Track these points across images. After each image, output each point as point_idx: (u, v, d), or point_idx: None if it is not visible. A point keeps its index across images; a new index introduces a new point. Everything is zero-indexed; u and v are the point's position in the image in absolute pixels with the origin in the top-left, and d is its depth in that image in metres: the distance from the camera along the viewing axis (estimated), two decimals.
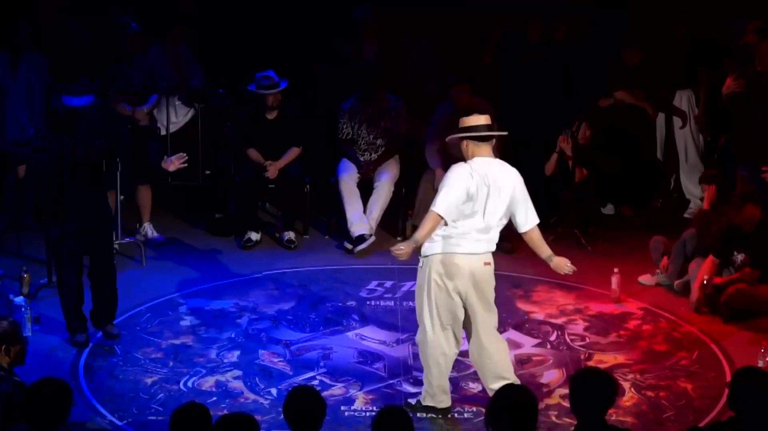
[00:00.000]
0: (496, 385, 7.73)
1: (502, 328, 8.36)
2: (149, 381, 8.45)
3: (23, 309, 9.09)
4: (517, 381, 7.79)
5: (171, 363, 8.72)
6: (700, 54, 11.51)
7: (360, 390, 8.37)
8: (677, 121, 11.79)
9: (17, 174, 10.68)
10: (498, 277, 7.93)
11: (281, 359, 8.82)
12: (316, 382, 8.43)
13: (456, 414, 8.03)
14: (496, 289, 7.95)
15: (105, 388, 8.35)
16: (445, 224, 7.69)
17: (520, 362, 8.76)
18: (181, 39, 11.63)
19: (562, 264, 7.92)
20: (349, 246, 10.85)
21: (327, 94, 11.71)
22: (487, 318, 7.85)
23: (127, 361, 8.75)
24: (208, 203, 11.56)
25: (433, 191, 8.44)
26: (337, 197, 11.10)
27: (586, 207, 11.17)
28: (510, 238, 8.73)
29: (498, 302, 7.97)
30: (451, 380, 8.16)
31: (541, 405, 7.93)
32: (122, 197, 10.87)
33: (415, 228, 10.80)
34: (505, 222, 7.85)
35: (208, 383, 8.44)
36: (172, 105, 11.62)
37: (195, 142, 11.76)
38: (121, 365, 8.69)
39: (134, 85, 11.02)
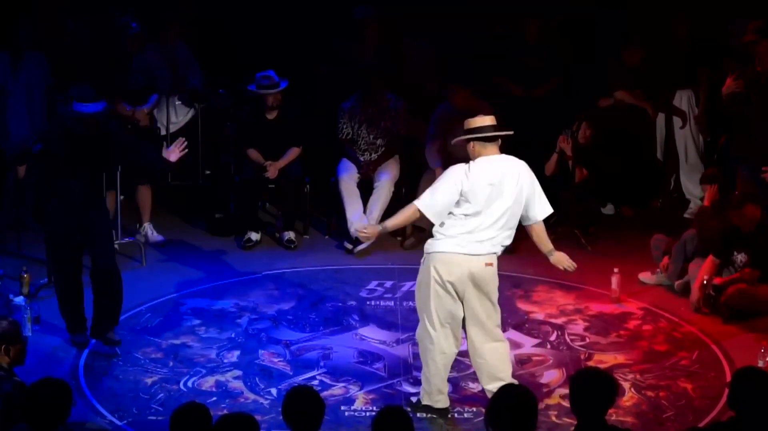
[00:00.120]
0: (491, 386, 7.76)
1: (502, 328, 8.35)
2: (149, 381, 8.45)
3: (23, 309, 9.09)
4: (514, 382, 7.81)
5: (171, 363, 8.72)
6: (700, 54, 11.52)
7: (360, 390, 8.37)
8: (677, 121, 11.79)
9: (17, 174, 10.67)
10: (498, 277, 7.92)
11: (281, 359, 8.83)
12: (316, 382, 8.43)
13: (456, 414, 8.03)
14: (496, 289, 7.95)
15: (105, 388, 8.35)
16: (441, 224, 7.72)
17: (520, 362, 8.76)
18: (177, 38, 11.63)
19: (562, 259, 7.95)
20: (349, 246, 10.86)
21: (327, 94, 11.71)
22: (484, 319, 7.84)
23: (127, 361, 8.74)
24: (208, 203, 11.56)
25: None
26: (337, 197, 11.10)
27: (586, 207, 11.17)
28: None
29: (498, 302, 7.96)
30: (451, 380, 8.16)
31: (541, 405, 7.93)
32: (122, 197, 10.88)
33: (414, 228, 10.90)
34: (515, 222, 7.81)
35: (208, 383, 8.45)
36: (172, 105, 11.63)
37: (195, 142, 11.78)
38: (121, 365, 8.69)
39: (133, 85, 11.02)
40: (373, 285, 10.14)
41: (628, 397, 8.25)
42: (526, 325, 9.38)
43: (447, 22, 11.87)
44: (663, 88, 11.74)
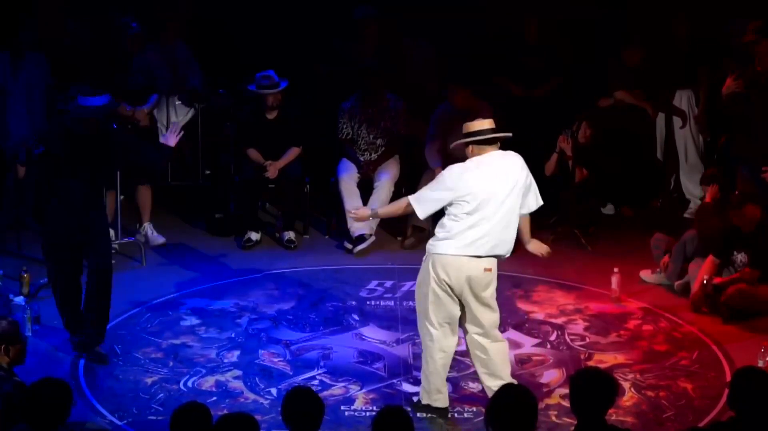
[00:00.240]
0: (491, 382, 7.77)
1: (502, 328, 8.35)
2: (149, 381, 8.45)
3: (23, 309, 9.09)
4: (513, 382, 7.81)
5: (171, 363, 8.72)
6: (700, 54, 11.52)
7: (360, 390, 8.37)
8: (677, 121, 11.79)
9: (17, 174, 10.67)
10: (498, 277, 7.90)
11: (281, 359, 8.83)
12: (316, 382, 8.43)
13: (456, 414, 8.02)
14: (497, 289, 7.94)
15: (105, 388, 8.35)
16: (442, 224, 7.74)
17: (520, 362, 8.76)
18: (177, 38, 11.64)
19: (539, 247, 8.11)
20: (349, 246, 10.86)
21: (327, 94, 11.71)
22: (483, 321, 7.83)
23: (127, 361, 8.74)
24: (208, 203, 11.57)
25: None
26: (337, 197, 11.10)
27: (586, 207, 11.18)
28: None
29: (498, 302, 7.95)
30: (451, 380, 8.16)
31: (541, 405, 7.93)
32: (122, 197, 10.88)
33: (414, 228, 10.91)
34: (516, 219, 7.81)
35: (208, 383, 8.44)
36: (172, 105, 11.64)
37: (195, 142, 11.78)
38: (121, 365, 8.68)
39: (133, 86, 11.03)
40: (373, 285, 10.14)
41: (628, 397, 8.25)
42: (526, 325, 9.38)
43: (447, 22, 11.87)
44: (663, 88, 11.74)
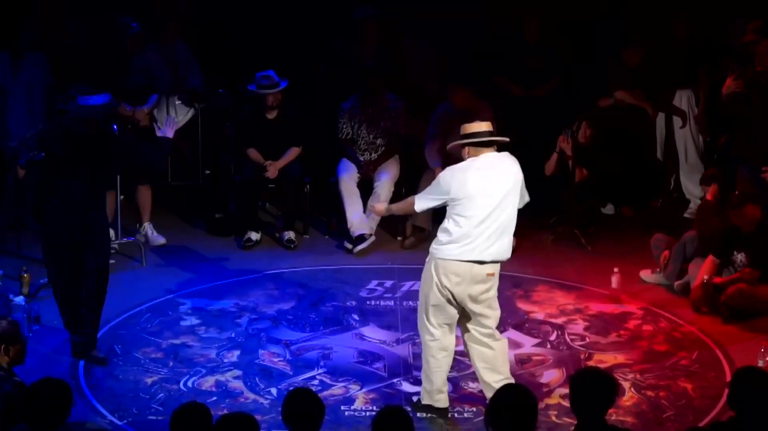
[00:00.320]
0: (490, 377, 7.80)
1: (502, 328, 8.35)
2: (149, 381, 8.45)
3: (23, 309, 9.09)
4: (511, 379, 7.82)
5: (171, 363, 8.72)
6: (700, 54, 11.52)
7: (360, 390, 8.37)
8: (677, 121, 11.79)
9: (17, 174, 10.67)
10: (498, 277, 7.92)
11: (281, 359, 8.83)
12: (316, 382, 8.43)
13: (456, 414, 8.02)
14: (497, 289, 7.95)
15: (105, 388, 8.35)
16: (442, 227, 7.75)
17: (520, 362, 8.76)
18: (177, 38, 11.64)
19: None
20: (349, 246, 10.86)
21: (327, 94, 11.71)
22: (485, 321, 7.83)
23: (127, 361, 8.74)
24: (208, 203, 11.56)
25: None
26: (337, 197, 11.10)
27: (586, 207, 11.17)
28: None
29: (498, 302, 7.96)
30: (451, 380, 8.16)
31: (541, 405, 7.93)
32: (122, 197, 10.88)
33: (414, 227, 10.91)
34: (514, 217, 7.81)
35: (208, 383, 8.44)
36: (172, 105, 11.63)
37: (195, 142, 11.78)
38: (121, 365, 8.68)
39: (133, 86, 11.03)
40: (373, 285, 10.14)
41: (628, 397, 8.25)
42: (526, 325, 9.38)
43: (447, 22, 11.87)
44: (663, 88, 11.74)
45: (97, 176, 8.67)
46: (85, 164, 8.51)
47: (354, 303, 9.79)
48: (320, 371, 8.63)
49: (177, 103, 11.68)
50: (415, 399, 8.08)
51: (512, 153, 7.98)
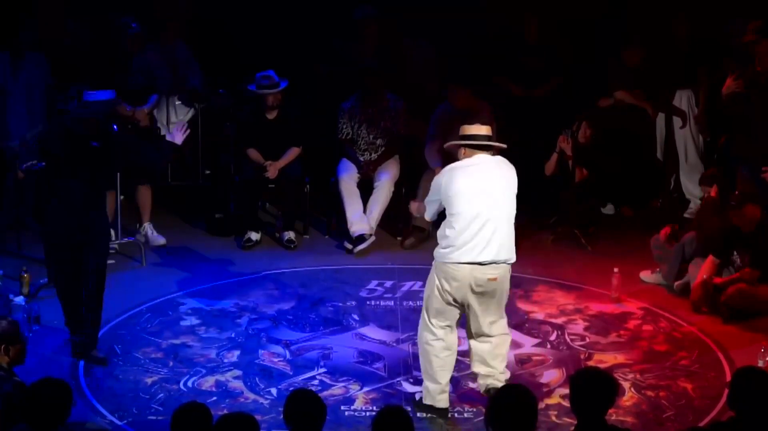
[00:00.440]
0: (479, 369, 7.88)
1: None
2: (149, 381, 8.45)
3: (23, 309, 9.09)
4: (504, 374, 7.82)
5: (171, 363, 8.72)
6: (700, 54, 11.52)
7: (360, 390, 8.37)
8: (677, 121, 11.79)
9: (17, 174, 10.68)
10: (508, 284, 7.92)
11: (281, 359, 8.82)
12: (316, 382, 8.43)
13: (456, 414, 8.02)
14: None
15: (105, 388, 8.35)
16: (441, 230, 7.76)
17: (520, 362, 8.76)
18: (177, 38, 11.64)
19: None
20: (349, 246, 10.86)
21: (327, 94, 11.71)
22: (489, 331, 7.85)
23: (127, 361, 8.74)
24: (208, 203, 11.56)
25: None
26: (337, 197, 11.10)
27: (586, 207, 11.17)
28: None
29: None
30: (451, 380, 8.14)
31: (541, 405, 7.93)
32: (122, 197, 10.88)
33: (414, 228, 10.91)
34: (511, 217, 7.80)
35: (208, 383, 8.44)
36: (172, 105, 11.64)
37: (195, 142, 11.78)
38: (121, 365, 8.68)
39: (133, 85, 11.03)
40: (373, 285, 10.14)
41: (628, 397, 8.25)
42: (526, 325, 9.38)
43: (447, 22, 11.87)
44: (663, 88, 11.74)
45: (97, 176, 8.67)
46: (85, 164, 8.51)
47: (354, 303, 9.79)
48: (320, 371, 8.63)
49: (177, 103, 11.68)
50: (417, 397, 8.07)
51: (512, 153, 7.99)
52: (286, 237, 11.04)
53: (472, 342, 7.95)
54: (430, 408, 7.95)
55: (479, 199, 7.65)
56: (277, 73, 10.93)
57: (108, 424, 7.85)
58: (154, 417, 7.95)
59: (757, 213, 9.45)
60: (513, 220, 7.80)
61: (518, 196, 7.89)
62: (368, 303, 9.81)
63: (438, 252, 7.77)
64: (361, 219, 10.90)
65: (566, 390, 7.50)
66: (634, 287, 10.05)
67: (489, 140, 7.85)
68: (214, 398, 8.19)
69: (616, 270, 9.84)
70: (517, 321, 9.39)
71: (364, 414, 8.02)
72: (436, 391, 7.93)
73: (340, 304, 9.76)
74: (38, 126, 10.80)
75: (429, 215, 7.99)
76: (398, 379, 8.50)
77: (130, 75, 11.01)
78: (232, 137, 11.44)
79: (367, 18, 11.71)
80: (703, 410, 8.09)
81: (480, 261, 7.66)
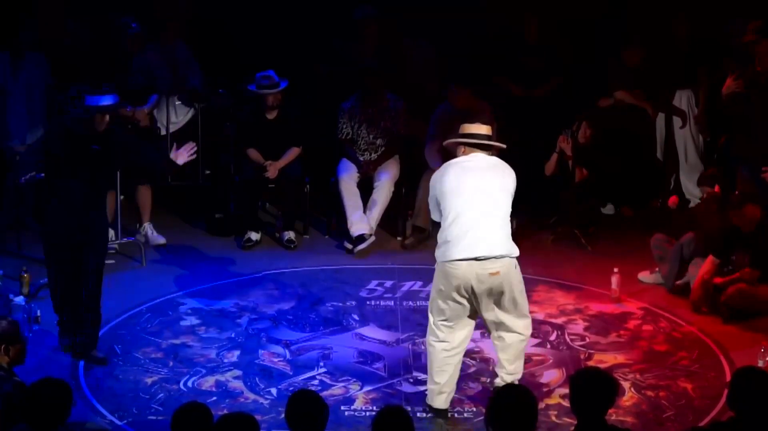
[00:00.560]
0: (497, 367, 7.95)
1: None
2: (149, 381, 8.45)
3: (23, 309, 9.09)
4: (513, 375, 7.85)
5: (171, 363, 8.72)
6: (700, 54, 11.52)
7: (360, 390, 8.37)
8: (677, 121, 11.80)
9: (17, 174, 10.67)
10: (520, 282, 7.91)
11: (281, 359, 8.82)
12: (316, 382, 8.43)
13: (456, 414, 8.02)
14: None
15: (105, 388, 8.35)
16: (440, 229, 7.78)
17: None
18: (177, 38, 11.64)
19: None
20: (349, 246, 10.86)
21: (327, 94, 11.71)
22: (504, 315, 7.83)
23: (127, 361, 8.74)
24: (208, 203, 11.56)
25: None
26: (337, 197, 11.10)
27: (586, 207, 11.17)
28: None
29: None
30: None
31: (541, 405, 7.93)
32: (122, 197, 10.88)
33: (414, 228, 10.91)
34: (507, 213, 7.80)
35: (208, 383, 8.44)
36: (172, 105, 11.63)
37: (195, 142, 11.75)
38: (121, 365, 8.68)
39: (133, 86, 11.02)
40: (373, 285, 10.14)
41: (628, 397, 8.25)
42: None
43: (447, 22, 11.87)
44: (663, 88, 11.74)
45: (97, 176, 8.67)
46: (85, 164, 8.51)
47: (354, 303, 9.79)
48: (320, 371, 8.63)
49: (177, 103, 11.68)
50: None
51: (512, 153, 7.99)
52: (286, 237, 11.04)
53: (494, 340, 7.97)
54: (430, 409, 7.95)
55: (471, 194, 7.66)
56: (277, 73, 10.93)
57: (108, 424, 7.85)
58: (154, 417, 7.95)
59: (757, 213, 9.45)
60: (508, 218, 7.78)
61: (518, 196, 7.89)
62: (368, 303, 9.81)
63: (437, 252, 7.78)
64: (361, 219, 10.90)
65: (566, 390, 7.50)
66: (634, 287, 10.05)
67: (488, 139, 7.86)
68: (214, 398, 8.19)
69: (616, 270, 9.83)
70: None
71: (364, 414, 8.02)
72: (434, 391, 7.93)
73: (340, 304, 9.76)
74: (38, 126, 10.81)
75: (434, 215, 7.96)
76: (398, 379, 8.50)
77: (130, 75, 11.00)
78: (232, 137, 11.44)
79: (367, 18, 11.71)
80: (703, 410, 8.09)
81: (476, 256, 7.64)
